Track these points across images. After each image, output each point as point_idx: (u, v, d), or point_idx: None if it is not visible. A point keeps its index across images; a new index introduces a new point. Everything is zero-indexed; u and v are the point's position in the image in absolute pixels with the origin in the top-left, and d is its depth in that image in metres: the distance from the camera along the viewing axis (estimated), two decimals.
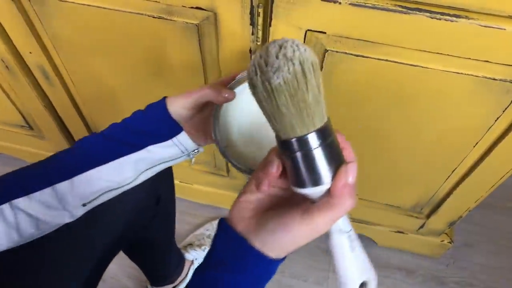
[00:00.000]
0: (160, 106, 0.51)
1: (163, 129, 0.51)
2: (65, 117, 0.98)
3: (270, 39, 0.61)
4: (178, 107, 0.51)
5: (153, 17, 0.63)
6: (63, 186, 0.48)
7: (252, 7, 0.57)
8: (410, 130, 0.71)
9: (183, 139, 0.52)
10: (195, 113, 0.52)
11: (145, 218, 0.69)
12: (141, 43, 0.69)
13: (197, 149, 0.55)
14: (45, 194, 0.47)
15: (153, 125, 0.51)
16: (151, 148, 0.51)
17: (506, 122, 0.64)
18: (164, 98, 0.52)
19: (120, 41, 0.70)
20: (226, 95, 0.49)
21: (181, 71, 0.73)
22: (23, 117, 1.03)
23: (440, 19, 0.52)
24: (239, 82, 0.50)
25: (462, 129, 0.68)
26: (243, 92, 0.50)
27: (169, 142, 0.52)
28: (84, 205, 0.50)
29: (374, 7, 0.53)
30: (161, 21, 0.64)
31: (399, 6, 0.52)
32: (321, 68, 0.64)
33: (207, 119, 0.53)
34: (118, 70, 0.77)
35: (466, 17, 0.51)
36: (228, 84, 0.51)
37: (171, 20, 0.63)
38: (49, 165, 0.49)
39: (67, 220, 0.50)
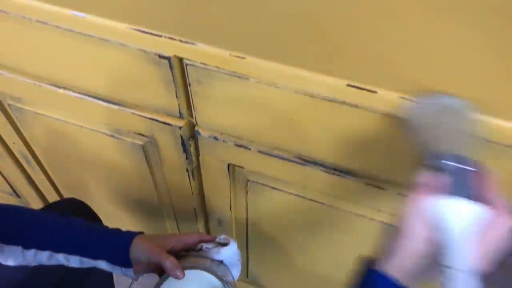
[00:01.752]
0: (126, 241, 0.56)
1: (117, 257, 0.56)
2: (47, 194, 1.08)
3: (201, 166, 0.70)
4: (138, 252, 0.55)
5: (107, 135, 0.74)
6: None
7: (183, 140, 0.66)
8: (332, 256, 0.76)
9: (128, 271, 0.57)
10: (148, 263, 0.56)
11: None
12: (99, 154, 0.80)
13: (137, 278, 0.59)
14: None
15: (110, 249, 0.57)
16: (100, 262, 0.57)
17: None
18: (134, 236, 0.57)
19: (84, 151, 0.80)
20: (178, 273, 0.52)
21: (134, 179, 0.82)
22: (11, 187, 1.14)
23: (332, 174, 0.59)
24: (194, 267, 0.53)
25: None
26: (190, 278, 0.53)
27: (116, 267, 0.57)
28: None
29: (277, 156, 0.61)
30: (113, 138, 0.74)
31: (298, 158, 0.60)
32: (246, 194, 0.71)
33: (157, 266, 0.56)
34: (87, 169, 0.87)
35: (354, 176, 0.59)
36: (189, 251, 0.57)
37: (121, 138, 0.73)
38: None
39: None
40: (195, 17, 0.51)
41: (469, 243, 0.36)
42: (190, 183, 0.75)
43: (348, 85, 0.45)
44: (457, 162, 0.38)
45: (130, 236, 0.57)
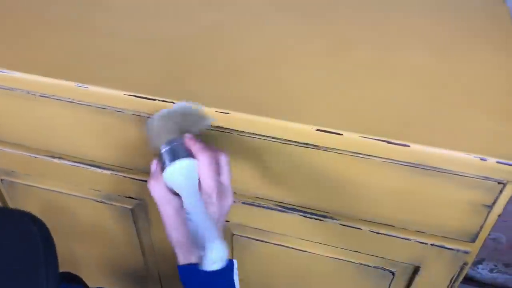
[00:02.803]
0: None
1: None
2: None
3: None
4: None
5: (97, 201, 0.78)
6: None
7: None
8: None
9: None
10: None
11: None
12: (89, 222, 0.83)
13: None
14: None
15: None
16: None
17: None
18: None
19: (75, 220, 0.84)
20: None
21: (123, 246, 0.85)
22: None
23: (311, 218, 0.65)
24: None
25: None
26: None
27: None
28: None
29: (260, 206, 0.66)
30: (103, 204, 0.78)
31: (279, 206, 0.66)
32: (232, 249, 0.75)
33: None
34: (77, 239, 0.89)
35: (331, 218, 0.64)
36: None
37: (111, 204, 0.77)
38: None
39: None
40: (184, 81, 0.60)
41: (194, 185, 0.49)
42: None
43: (318, 130, 0.53)
44: (171, 143, 0.51)
45: None
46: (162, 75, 0.61)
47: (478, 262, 1.37)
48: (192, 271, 0.51)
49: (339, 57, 0.65)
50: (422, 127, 0.53)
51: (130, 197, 0.74)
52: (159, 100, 0.57)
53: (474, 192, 0.54)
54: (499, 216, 0.56)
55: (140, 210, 0.76)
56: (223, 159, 0.52)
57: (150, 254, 0.83)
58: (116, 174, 0.71)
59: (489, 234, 1.29)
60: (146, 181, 0.69)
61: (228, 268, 0.51)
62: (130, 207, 0.76)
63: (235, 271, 0.54)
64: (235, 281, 0.53)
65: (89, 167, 0.72)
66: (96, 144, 0.68)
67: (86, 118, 0.64)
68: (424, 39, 0.70)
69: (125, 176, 0.71)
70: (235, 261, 0.54)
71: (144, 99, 0.57)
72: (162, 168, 0.51)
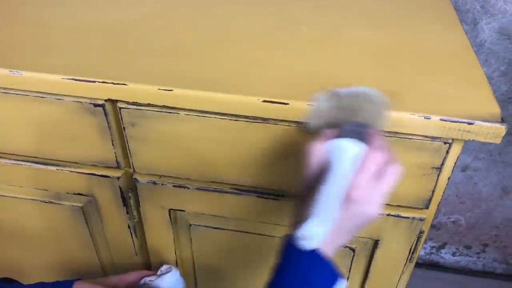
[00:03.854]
0: (66, 286, 0.57)
1: None
2: None
3: (143, 218, 0.71)
4: None
5: (45, 202, 0.74)
6: None
7: (122, 192, 0.68)
8: None
9: None
10: None
11: None
12: (38, 225, 0.78)
13: None
14: None
15: None
16: None
17: (358, 279, 0.72)
18: (73, 282, 0.58)
19: (18, 226, 0.79)
20: None
21: (76, 248, 0.80)
22: None
23: (267, 198, 0.64)
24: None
25: None
26: None
27: None
28: None
29: (215, 190, 0.65)
30: (51, 205, 0.74)
31: (235, 189, 0.64)
32: (190, 241, 0.73)
33: None
34: (23, 245, 0.84)
35: (287, 196, 0.63)
36: None
37: (60, 204, 0.74)
38: None
39: None
40: (126, 63, 0.58)
41: (348, 172, 0.44)
42: (133, 241, 0.75)
43: (264, 101, 0.52)
44: (358, 125, 0.47)
45: (69, 283, 0.57)
46: (101, 59, 0.59)
47: (440, 246, 1.40)
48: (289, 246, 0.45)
49: (284, 35, 0.65)
50: None
51: (79, 194, 0.71)
52: (99, 82, 0.54)
53: (423, 154, 0.54)
54: (449, 178, 0.57)
55: (91, 207, 0.73)
56: (393, 167, 0.45)
57: (105, 253, 0.80)
58: (62, 170, 0.68)
59: (449, 217, 1.33)
60: (95, 174, 0.67)
61: (329, 272, 0.45)
62: (80, 205, 0.73)
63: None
64: None
65: (32, 164, 0.68)
66: (36, 138, 0.64)
67: (23, 110, 0.61)
68: (366, 15, 0.71)
69: (72, 171, 0.67)
70: (344, 281, 0.47)
71: (84, 82, 0.55)
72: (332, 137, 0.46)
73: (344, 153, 0.45)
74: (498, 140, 0.49)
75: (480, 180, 1.20)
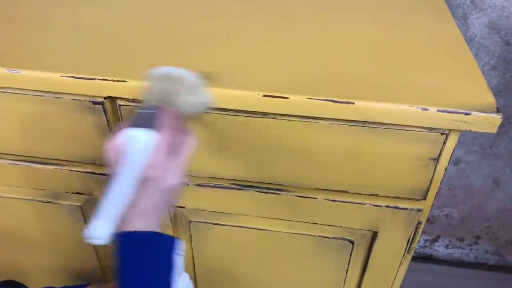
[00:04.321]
0: None
1: None
2: None
3: None
4: None
5: (43, 202, 0.74)
6: None
7: None
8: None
9: None
10: None
11: None
12: (36, 226, 0.78)
13: None
14: None
15: None
16: None
17: (356, 272, 0.73)
18: (84, 286, 0.62)
19: (17, 227, 0.78)
20: None
21: (75, 249, 0.80)
22: None
23: (266, 192, 0.64)
24: None
25: (323, 285, 0.76)
26: None
27: None
28: None
29: (215, 186, 0.65)
30: (50, 204, 0.74)
31: (234, 184, 0.65)
32: (190, 237, 0.73)
33: None
34: (23, 247, 0.84)
35: (286, 190, 0.64)
36: None
37: (58, 203, 0.73)
38: None
39: None
40: (125, 61, 0.58)
41: (139, 160, 0.47)
42: None
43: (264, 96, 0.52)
44: (150, 107, 0.49)
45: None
46: (100, 57, 0.59)
47: (434, 239, 1.41)
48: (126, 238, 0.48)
49: (281, 32, 0.66)
50: (366, 87, 0.54)
51: (78, 193, 0.71)
52: (98, 79, 0.54)
53: (420, 146, 0.55)
54: (445, 169, 0.58)
55: (90, 206, 0.73)
56: (188, 140, 0.49)
57: (105, 254, 0.80)
58: (61, 169, 0.68)
59: (441, 210, 1.35)
60: (94, 173, 0.67)
61: (165, 246, 0.49)
62: (79, 204, 0.73)
63: (179, 252, 0.50)
64: (174, 261, 0.49)
65: (30, 164, 0.68)
66: (35, 137, 0.64)
67: (22, 109, 0.61)
68: (361, 11, 0.72)
69: (71, 170, 0.67)
70: (182, 242, 0.50)
71: (84, 80, 0.55)
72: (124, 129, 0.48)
73: (135, 143, 0.47)
74: (494, 130, 0.50)
75: (472, 173, 1.22)
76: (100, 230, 0.45)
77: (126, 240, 0.47)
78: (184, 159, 0.49)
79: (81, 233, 0.76)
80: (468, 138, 1.14)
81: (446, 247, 1.43)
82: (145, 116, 0.49)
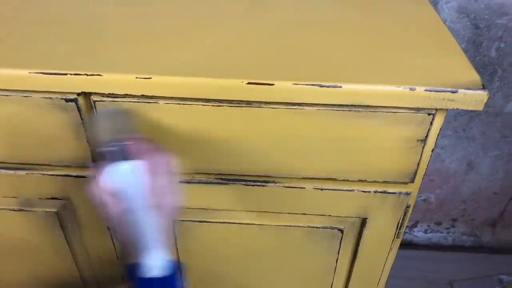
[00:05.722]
0: None
1: None
2: None
3: None
4: None
5: (14, 210, 0.69)
6: None
7: None
8: (268, 283, 0.76)
9: None
10: None
11: None
12: (8, 236, 0.73)
13: None
14: None
15: None
16: None
17: (346, 260, 0.72)
18: None
19: None
20: None
21: (53, 258, 0.76)
22: None
23: (253, 185, 0.62)
24: None
25: (313, 277, 0.74)
26: None
27: None
28: None
29: (199, 182, 0.63)
30: (23, 213, 0.69)
31: (219, 179, 0.63)
32: (175, 237, 0.70)
33: None
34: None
35: (274, 182, 0.62)
36: None
37: (31, 211, 0.69)
38: None
39: None
40: (99, 54, 0.55)
41: (136, 189, 0.48)
42: (114, 244, 0.72)
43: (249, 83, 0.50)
44: (115, 143, 0.49)
45: None
46: (71, 51, 0.56)
47: (413, 225, 1.43)
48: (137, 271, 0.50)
49: (260, 18, 0.64)
50: (352, 70, 0.53)
51: (53, 198, 0.67)
52: (71, 74, 0.51)
53: (407, 128, 0.55)
54: (432, 150, 0.58)
55: (67, 212, 0.69)
56: (166, 159, 0.50)
57: (84, 261, 0.76)
58: (32, 173, 0.63)
59: (419, 196, 1.37)
60: (69, 175, 0.63)
61: (171, 275, 0.50)
62: (54, 210, 0.69)
63: (183, 276, 0.53)
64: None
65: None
66: (1, 140, 0.60)
67: None
68: None
69: (44, 174, 0.63)
70: (183, 265, 0.52)
71: (54, 75, 0.51)
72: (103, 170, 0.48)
73: (125, 176, 0.47)
74: (480, 107, 0.50)
75: (447, 157, 1.24)
76: (156, 261, 0.47)
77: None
78: (173, 176, 0.50)
79: (59, 242, 0.72)
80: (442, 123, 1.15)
81: (425, 232, 1.45)
82: (115, 151, 0.48)
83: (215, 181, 0.63)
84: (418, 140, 0.56)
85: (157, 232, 0.48)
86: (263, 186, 0.62)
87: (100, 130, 0.52)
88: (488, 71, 1.05)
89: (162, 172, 0.49)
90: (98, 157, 0.50)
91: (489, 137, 1.18)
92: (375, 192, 0.62)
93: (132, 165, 0.47)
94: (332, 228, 0.67)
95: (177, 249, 0.72)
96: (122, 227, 0.50)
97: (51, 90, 0.53)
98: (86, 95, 0.55)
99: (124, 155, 0.48)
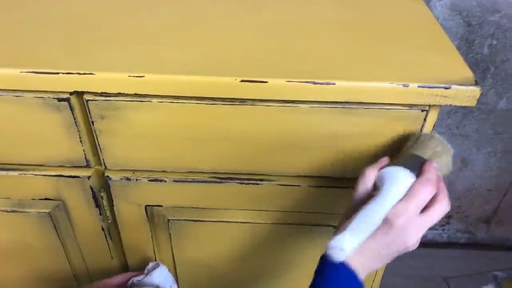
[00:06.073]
0: None
1: None
2: None
3: (117, 219, 0.68)
4: None
5: (7, 212, 0.68)
6: None
7: (93, 192, 0.64)
8: (263, 281, 0.76)
9: None
10: None
11: None
12: (2, 238, 0.73)
13: None
14: None
15: None
16: None
17: None
18: None
19: None
20: None
21: (46, 258, 0.75)
22: None
23: (248, 184, 0.62)
24: None
25: (308, 275, 0.74)
26: None
27: None
28: None
29: (194, 181, 0.63)
30: (16, 214, 0.69)
31: (214, 177, 0.62)
32: (169, 237, 0.70)
33: None
34: None
35: (269, 180, 0.62)
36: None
37: (24, 212, 0.68)
38: None
39: None
40: (93, 52, 0.54)
41: (395, 197, 0.46)
42: (108, 244, 0.71)
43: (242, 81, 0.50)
44: (416, 156, 0.50)
45: None
46: (63, 50, 0.55)
47: None
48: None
49: (250, 17, 0.64)
50: (345, 67, 0.53)
51: (46, 199, 0.66)
52: (63, 73, 0.51)
53: (402, 124, 0.55)
54: None
55: (60, 212, 0.68)
56: (441, 205, 0.47)
57: (78, 261, 0.75)
58: (25, 174, 0.63)
59: None
60: (62, 176, 0.63)
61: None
62: (47, 211, 0.68)
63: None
64: None
65: None
66: None
67: None
68: None
69: (36, 175, 0.63)
70: None
71: (46, 74, 0.51)
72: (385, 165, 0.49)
73: (395, 180, 0.46)
74: (473, 103, 0.50)
75: None
76: (347, 244, 0.44)
77: (330, 265, 0.46)
78: (431, 222, 0.46)
79: (53, 243, 0.71)
80: (436, 120, 1.16)
81: None
82: (409, 161, 0.49)
83: (210, 179, 0.62)
84: None
85: (366, 230, 0.45)
86: (258, 184, 0.62)
87: (418, 148, 0.52)
88: (480, 69, 1.05)
89: (426, 206, 0.46)
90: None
91: (482, 134, 1.18)
92: None
93: (412, 178, 0.47)
94: (328, 225, 0.67)
95: (171, 248, 0.72)
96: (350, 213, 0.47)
97: (43, 90, 0.53)
98: (79, 94, 0.54)
99: (413, 165, 0.48)
